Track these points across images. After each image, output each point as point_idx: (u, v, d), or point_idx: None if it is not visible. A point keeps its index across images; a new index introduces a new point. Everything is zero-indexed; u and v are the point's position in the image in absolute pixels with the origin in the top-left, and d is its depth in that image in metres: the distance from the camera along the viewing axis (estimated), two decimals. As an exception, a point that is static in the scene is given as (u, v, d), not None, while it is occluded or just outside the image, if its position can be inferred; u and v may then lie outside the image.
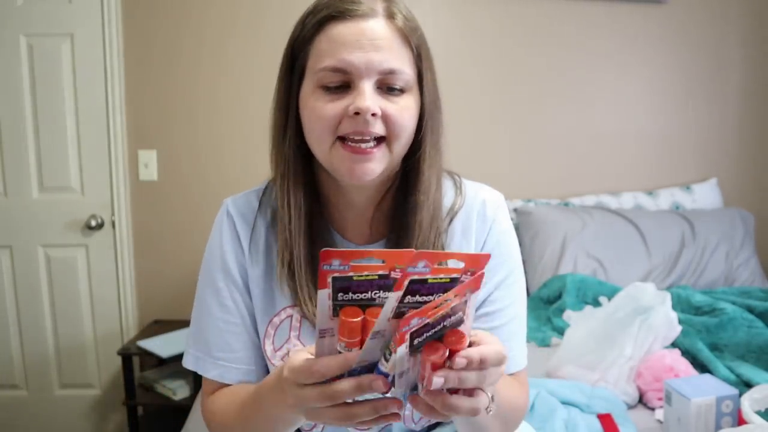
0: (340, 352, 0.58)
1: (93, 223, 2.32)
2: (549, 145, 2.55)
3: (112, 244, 2.37)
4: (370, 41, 0.75)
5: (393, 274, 0.58)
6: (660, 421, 1.47)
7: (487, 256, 0.58)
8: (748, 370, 1.61)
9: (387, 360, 0.57)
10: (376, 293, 0.58)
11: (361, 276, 0.57)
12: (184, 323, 2.27)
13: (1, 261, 2.34)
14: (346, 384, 0.57)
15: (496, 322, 0.84)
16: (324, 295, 0.57)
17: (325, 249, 0.55)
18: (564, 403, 1.50)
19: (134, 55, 2.35)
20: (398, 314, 0.57)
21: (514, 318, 0.86)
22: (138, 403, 2.20)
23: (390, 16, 0.77)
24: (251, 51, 2.33)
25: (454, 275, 0.57)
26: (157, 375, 2.20)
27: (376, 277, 0.58)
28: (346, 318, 0.57)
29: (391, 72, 0.75)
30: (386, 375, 0.59)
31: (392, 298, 0.57)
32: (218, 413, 0.83)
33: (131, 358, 2.17)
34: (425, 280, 0.57)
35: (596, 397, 1.52)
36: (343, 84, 0.75)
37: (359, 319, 0.57)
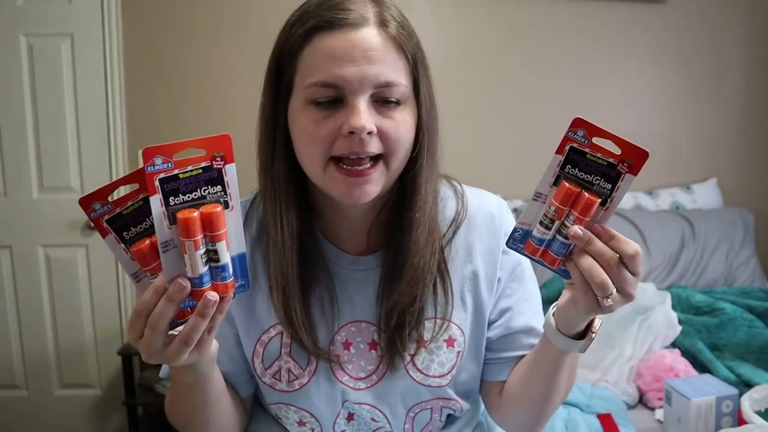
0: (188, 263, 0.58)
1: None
2: (549, 145, 2.52)
3: (112, 244, 2.36)
4: (362, 53, 0.69)
5: (215, 164, 0.59)
6: (660, 421, 1.48)
7: (645, 154, 0.60)
8: (748, 370, 1.61)
9: (546, 227, 0.63)
10: (205, 190, 0.59)
11: (186, 172, 0.57)
12: (184, 323, 2.26)
13: (1, 261, 2.33)
14: (156, 304, 0.58)
15: (521, 320, 0.86)
16: (156, 202, 0.56)
17: (145, 148, 0.54)
18: (564, 403, 1.50)
19: (134, 55, 2.35)
20: (555, 182, 0.63)
21: (537, 313, 0.89)
22: (138, 403, 2.21)
23: (382, 23, 0.72)
24: (252, 51, 2.33)
25: (611, 160, 0.61)
26: (157, 375, 2.19)
27: (201, 171, 0.58)
28: (183, 217, 0.56)
29: (386, 85, 0.70)
30: (541, 241, 0.64)
31: (554, 161, 0.63)
32: (167, 402, 0.84)
33: (131, 358, 2.17)
34: (584, 153, 0.62)
35: (596, 397, 1.53)
36: (335, 99, 0.71)
37: (196, 214, 0.57)
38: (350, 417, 0.84)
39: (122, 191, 0.62)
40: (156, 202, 0.57)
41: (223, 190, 0.59)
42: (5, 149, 2.28)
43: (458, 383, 0.85)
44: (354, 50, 0.69)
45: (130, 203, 0.59)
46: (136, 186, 0.59)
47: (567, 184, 0.62)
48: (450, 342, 0.83)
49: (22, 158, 2.27)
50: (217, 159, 0.59)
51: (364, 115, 0.69)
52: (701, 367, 1.68)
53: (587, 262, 0.62)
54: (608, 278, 0.61)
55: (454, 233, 0.84)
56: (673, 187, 2.60)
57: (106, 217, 0.59)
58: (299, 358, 0.82)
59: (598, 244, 0.61)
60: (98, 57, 2.27)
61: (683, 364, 1.60)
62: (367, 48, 0.70)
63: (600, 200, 0.61)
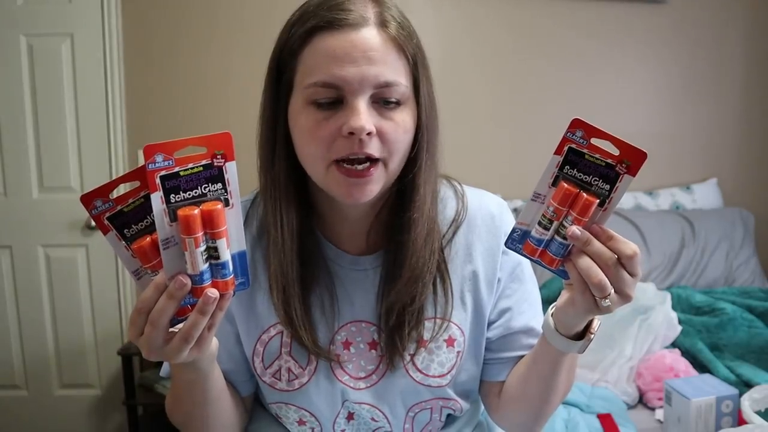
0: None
1: (93, 223, 2.31)
2: (549, 145, 2.51)
3: (112, 244, 2.37)
4: (362, 53, 0.69)
5: (216, 162, 0.59)
6: (660, 421, 1.48)
7: (644, 155, 0.60)
8: (748, 370, 1.61)
9: (544, 227, 0.63)
10: (205, 187, 0.59)
11: (187, 169, 0.58)
12: (184, 323, 2.27)
13: (1, 261, 2.33)
14: (157, 301, 0.58)
15: (521, 320, 0.86)
16: (157, 199, 0.57)
17: (146, 146, 0.54)
18: (564, 403, 1.50)
19: (134, 55, 2.35)
20: (553, 182, 0.63)
21: (537, 314, 0.89)
22: (138, 403, 2.20)
23: (382, 24, 0.72)
24: (251, 50, 2.33)
25: (610, 161, 0.61)
26: (157, 375, 2.20)
27: (201, 168, 0.58)
28: (184, 214, 0.57)
29: (386, 85, 0.70)
30: (539, 242, 0.64)
31: (552, 161, 0.63)
32: (168, 401, 0.84)
33: (131, 358, 2.17)
34: (583, 154, 0.62)
35: (596, 397, 1.53)
36: (335, 99, 0.71)
37: (197, 211, 0.57)
38: (350, 416, 0.84)
39: (123, 189, 0.62)
40: (157, 200, 0.57)
41: (224, 187, 0.60)
42: (5, 149, 2.28)
43: (458, 383, 0.85)
44: (354, 50, 0.69)
45: (131, 201, 0.59)
46: (137, 183, 0.59)
47: (565, 185, 0.62)
48: (450, 342, 0.83)
49: (22, 158, 2.27)
50: (218, 157, 0.59)
51: (364, 116, 0.69)
52: (701, 367, 1.68)
53: (585, 262, 0.62)
54: (606, 279, 0.61)
55: (454, 233, 0.84)
56: (673, 187, 2.60)
57: (108, 215, 0.59)
58: (299, 357, 0.82)
59: (597, 245, 0.61)
60: (98, 57, 2.27)
61: (683, 364, 1.60)
62: (367, 48, 0.70)
63: (598, 201, 0.61)
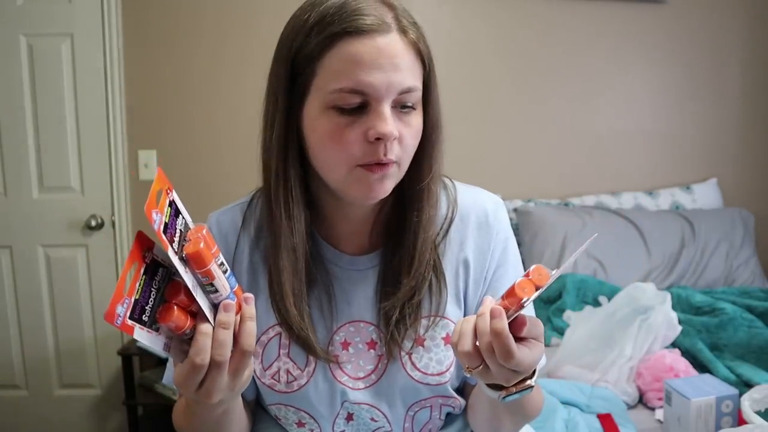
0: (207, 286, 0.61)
1: (93, 223, 2.32)
2: (549, 145, 2.55)
3: (112, 244, 2.37)
4: (388, 60, 0.69)
5: (170, 197, 0.61)
6: (660, 421, 1.48)
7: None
8: (748, 370, 1.61)
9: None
10: (178, 224, 0.62)
11: (166, 215, 0.59)
12: (184, 323, 2.26)
13: (1, 261, 2.34)
14: (210, 345, 0.60)
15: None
16: (173, 255, 0.58)
17: (147, 206, 0.55)
18: (564, 403, 1.50)
19: (134, 56, 2.35)
20: None
21: None
22: (138, 403, 2.21)
23: (402, 29, 0.72)
24: (251, 51, 2.33)
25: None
26: (157, 375, 2.20)
27: (170, 208, 0.60)
28: (195, 250, 0.59)
29: (407, 91, 0.71)
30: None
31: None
32: (176, 413, 0.84)
33: (131, 358, 2.17)
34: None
35: (596, 397, 1.53)
36: (359, 105, 0.70)
37: (200, 236, 0.60)
38: (349, 417, 0.84)
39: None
40: (173, 255, 0.57)
41: (183, 218, 0.63)
42: (5, 149, 2.28)
43: (454, 380, 0.86)
44: (380, 57, 0.69)
45: (137, 285, 0.58)
46: (135, 265, 0.59)
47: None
48: (448, 339, 0.83)
49: (22, 158, 2.28)
50: (169, 192, 0.60)
51: (390, 122, 0.70)
52: (701, 367, 1.68)
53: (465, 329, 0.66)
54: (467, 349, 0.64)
55: (447, 230, 0.85)
56: (673, 187, 2.60)
57: (128, 314, 0.57)
58: (298, 359, 0.82)
59: (483, 320, 0.64)
60: (98, 57, 2.27)
61: (683, 364, 1.60)
62: (392, 55, 0.70)
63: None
